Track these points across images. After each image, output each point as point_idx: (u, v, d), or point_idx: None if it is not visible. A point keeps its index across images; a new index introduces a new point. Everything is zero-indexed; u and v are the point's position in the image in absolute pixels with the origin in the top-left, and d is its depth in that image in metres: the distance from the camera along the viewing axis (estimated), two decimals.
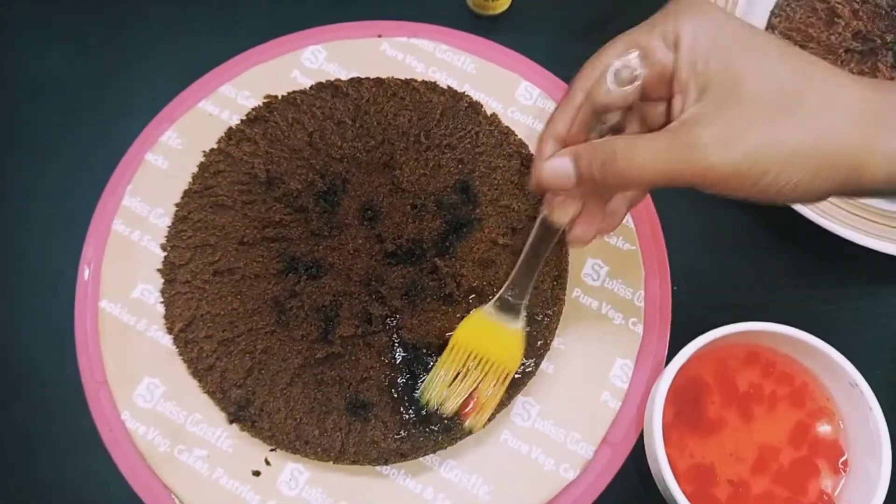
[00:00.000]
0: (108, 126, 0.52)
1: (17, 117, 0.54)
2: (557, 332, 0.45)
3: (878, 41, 0.52)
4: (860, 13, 0.53)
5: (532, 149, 0.49)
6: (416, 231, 0.46)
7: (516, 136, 0.49)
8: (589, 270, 0.48)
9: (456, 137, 0.48)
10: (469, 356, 0.42)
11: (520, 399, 0.45)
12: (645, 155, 0.30)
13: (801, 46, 0.53)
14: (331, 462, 0.42)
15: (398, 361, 0.44)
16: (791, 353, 0.43)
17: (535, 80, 0.52)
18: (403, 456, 0.42)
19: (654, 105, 0.34)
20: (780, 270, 0.51)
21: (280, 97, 0.50)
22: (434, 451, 0.43)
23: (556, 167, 0.34)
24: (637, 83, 0.32)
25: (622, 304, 0.47)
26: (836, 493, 0.41)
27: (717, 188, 0.30)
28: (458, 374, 0.42)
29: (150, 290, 0.47)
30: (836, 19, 0.53)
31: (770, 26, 0.54)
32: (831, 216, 0.48)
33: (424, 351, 0.44)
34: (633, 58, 0.32)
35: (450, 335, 0.43)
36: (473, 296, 0.45)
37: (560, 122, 0.35)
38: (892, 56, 0.52)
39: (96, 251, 0.48)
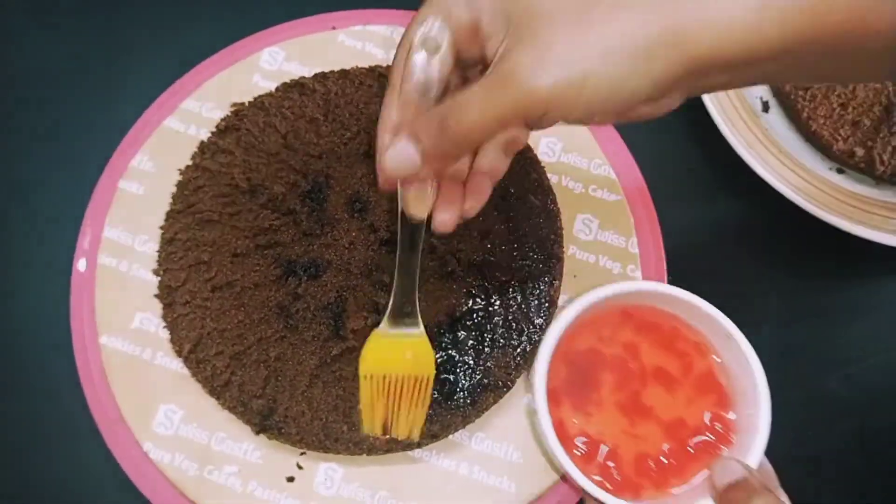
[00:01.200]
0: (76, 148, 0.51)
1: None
2: (561, 289, 0.46)
3: None
4: None
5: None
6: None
7: None
8: (580, 226, 0.49)
9: None
10: (384, 381, 0.41)
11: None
12: (472, 105, 0.29)
13: None
14: (364, 455, 0.43)
15: None
16: (665, 308, 0.43)
17: None
18: (434, 437, 0.43)
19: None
20: (775, 260, 0.51)
21: (247, 103, 0.49)
22: (463, 426, 0.43)
23: (397, 153, 0.31)
24: (443, 51, 0.31)
25: (617, 254, 0.48)
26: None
27: (552, 115, 0.29)
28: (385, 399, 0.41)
29: (149, 318, 0.46)
30: None
31: None
32: (828, 207, 0.48)
33: (436, 330, 0.44)
34: (433, 27, 0.31)
35: (461, 309, 0.44)
36: (476, 269, 0.45)
37: (391, 112, 0.34)
38: None
39: (88, 291, 0.47)
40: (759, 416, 0.38)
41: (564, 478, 0.44)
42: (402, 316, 0.41)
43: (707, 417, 0.41)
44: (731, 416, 0.41)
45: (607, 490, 0.38)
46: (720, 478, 0.36)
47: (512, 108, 0.28)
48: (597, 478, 0.39)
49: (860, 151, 0.50)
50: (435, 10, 0.31)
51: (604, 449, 0.40)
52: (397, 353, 0.41)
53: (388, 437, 0.42)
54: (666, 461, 0.40)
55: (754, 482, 0.35)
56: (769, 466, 0.38)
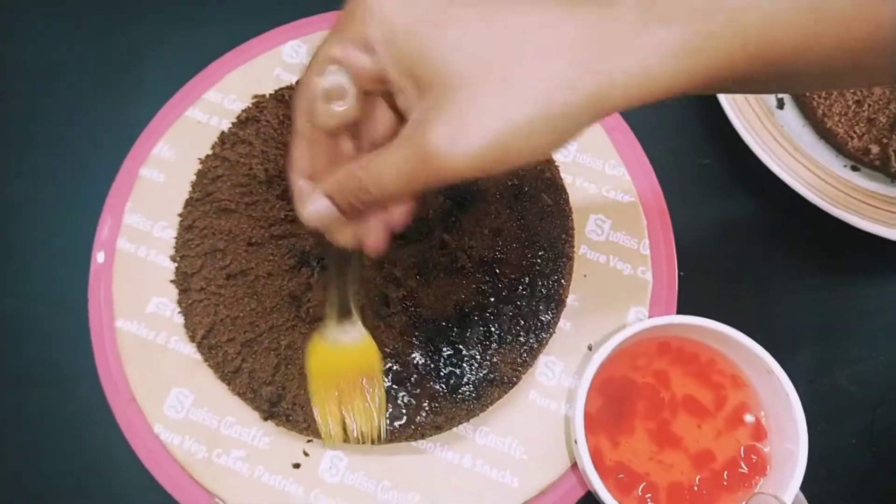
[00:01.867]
0: (97, 143, 0.52)
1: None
2: (570, 289, 0.46)
3: None
4: None
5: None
6: (421, 210, 0.47)
7: None
8: (593, 226, 0.49)
9: None
10: (335, 384, 0.40)
11: (542, 359, 0.46)
12: (388, 176, 0.28)
13: None
14: (369, 444, 0.43)
15: (420, 338, 0.44)
16: (704, 340, 0.43)
17: None
18: (438, 428, 0.43)
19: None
20: (788, 257, 0.51)
21: (268, 96, 0.50)
22: (468, 420, 0.44)
23: (319, 212, 0.31)
24: (349, 102, 0.29)
25: (629, 255, 0.48)
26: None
27: (470, 178, 0.27)
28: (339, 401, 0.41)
29: (164, 303, 0.47)
30: None
31: None
32: (842, 204, 0.48)
33: (444, 324, 0.45)
34: (335, 77, 0.28)
35: (469, 305, 0.44)
36: (486, 265, 0.46)
37: (300, 159, 0.32)
38: None
39: (105, 275, 0.48)
40: (796, 452, 0.39)
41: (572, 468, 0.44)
42: (343, 321, 0.40)
43: (742, 450, 0.41)
44: (765, 448, 0.41)
45: None
46: None
47: (432, 178, 0.27)
48: None
49: (875, 149, 0.50)
50: (331, 59, 0.29)
51: (641, 484, 0.41)
52: (343, 357, 0.40)
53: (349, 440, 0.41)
54: (698, 491, 0.40)
55: None
56: (804, 502, 0.38)
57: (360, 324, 0.40)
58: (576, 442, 0.40)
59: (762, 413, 0.42)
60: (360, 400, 0.41)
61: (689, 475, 0.41)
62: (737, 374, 0.43)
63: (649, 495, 0.40)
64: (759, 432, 0.42)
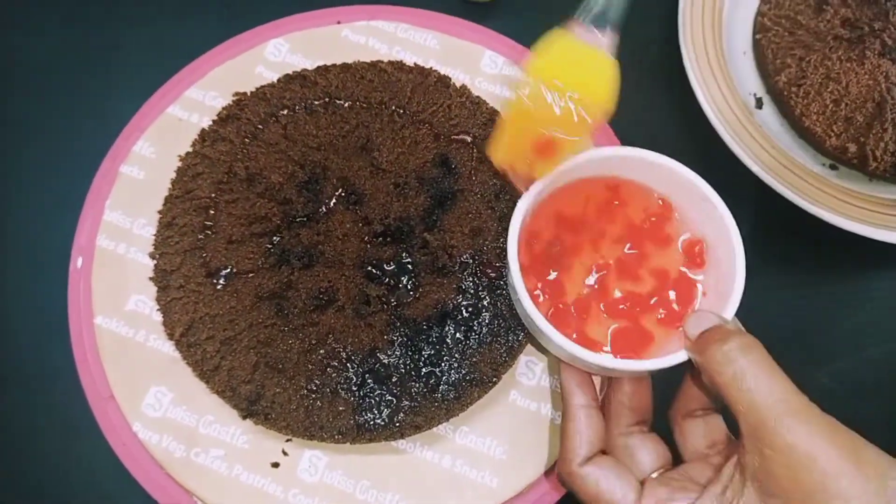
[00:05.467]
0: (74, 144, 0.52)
1: None
2: None
3: (867, 28, 0.52)
4: (849, 0, 0.53)
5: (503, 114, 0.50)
6: (402, 209, 0.47)
7: (488, 104, 0.50)
8: None
9: (429, 112, 0.49)
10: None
11: (523, 359, 0.46)
12: None
13: (790, 33, 0.53)
14: (348, 443, 0.43)
15: (400, 337, 0.44)
16: (644, 180, 0.43)
17: (497, 48, 0.53)
18: (418, 428, 0.43)
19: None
20: (768, 255, 0.51)
21: (249, 93, 0.50)
22: (447, 420, 0.44)
23: None
24: None
25: None
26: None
27: None
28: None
29: (144, 301, 0.47)
30: (824, 6, 0.53)
31: (759, 13, 0.55)
32: (820, 203, 0.48)
33: (425, 325, 0.45)
34: None
35: (450, 304, 0.45)
36: (466, 265, 0.46)
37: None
38: (879, 44, 0.52)
39: (85, 272, 0.48)
40: (733, 276, 0.37)
41: (547, 473, 0.44)
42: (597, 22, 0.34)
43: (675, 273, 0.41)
44: (699, 276, 0.41)
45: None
46: (694, 328, 0.35)
47: None
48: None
49: (853, 147, 0.50)
50: None
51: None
52: (574, 62, 0.34)
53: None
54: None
55: (729, 327, 0.34)
56: (740, 325, 0.37)
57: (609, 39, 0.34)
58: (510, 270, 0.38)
59: (700, 243, 0.41)
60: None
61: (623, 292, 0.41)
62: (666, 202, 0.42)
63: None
64: (696, 261, 0.41)
